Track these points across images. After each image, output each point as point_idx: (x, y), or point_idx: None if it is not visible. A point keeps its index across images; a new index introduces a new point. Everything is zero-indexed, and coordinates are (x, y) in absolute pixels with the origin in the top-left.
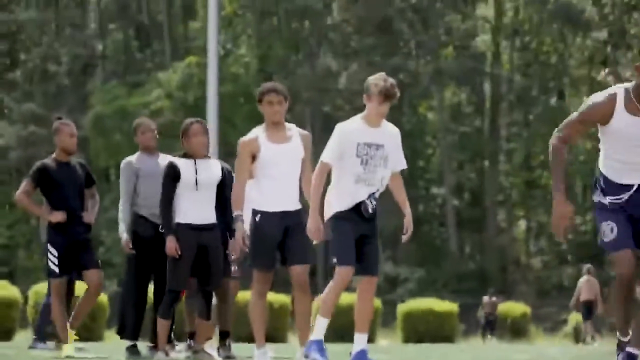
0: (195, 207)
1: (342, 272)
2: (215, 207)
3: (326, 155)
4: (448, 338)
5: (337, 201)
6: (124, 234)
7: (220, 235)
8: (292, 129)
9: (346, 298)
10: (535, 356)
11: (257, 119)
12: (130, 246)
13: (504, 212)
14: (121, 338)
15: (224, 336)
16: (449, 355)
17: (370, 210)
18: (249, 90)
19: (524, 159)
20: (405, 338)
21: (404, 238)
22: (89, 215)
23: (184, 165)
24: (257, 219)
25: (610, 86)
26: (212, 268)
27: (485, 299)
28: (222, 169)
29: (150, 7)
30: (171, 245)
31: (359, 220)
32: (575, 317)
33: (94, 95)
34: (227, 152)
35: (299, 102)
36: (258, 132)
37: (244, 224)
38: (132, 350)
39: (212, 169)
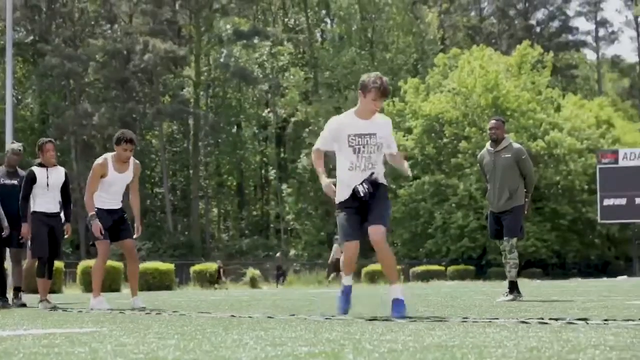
0: (45, 201)
1: (347, 246)
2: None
3: (320, 143)
4: (168, 287)
5: (339, 192)
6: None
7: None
8: (130, 161)
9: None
10: (225, 297)
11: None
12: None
13: (203, 203)
14: None
15: (17, 290)
16: (169, 298)
17: (361, 194)
18: (33, 126)
19: (215, 168)
20: (141, 288)
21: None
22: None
23: (39, 172)
24: (98, 213)
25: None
26: (58, 241)
27: (279, 254)
28: (66, 173)
29: None
30: (24, 230)
31: (357, 201)
32: (251, 272)
33: None
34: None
35: (67, 133)
36: (108, 158)
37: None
38: (3, 301)
39: (59, 174)
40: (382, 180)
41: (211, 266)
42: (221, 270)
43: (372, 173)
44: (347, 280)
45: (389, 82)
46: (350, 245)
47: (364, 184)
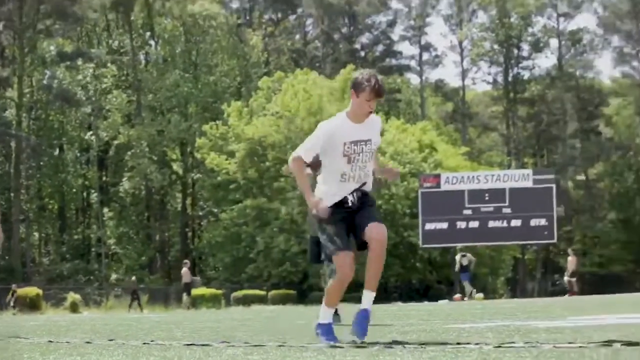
0: None
1: (341, 259)
2: None
3: (303, 153)
4: None
5: (324, 199)
6: None
7: None
8: None
9: None
10: (45, 323)
11: None
12: None
13: (24, 226)
14: None
15: None
16: None
17: (350, 204)
18: None
19: (37, 191)
20: None
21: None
22: None
23: None
24: None
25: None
26: None
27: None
28: None
29: None
30: None
31: (344, 210)
32: (72, 296)
33: None
34: None
35: None
36: None
37: None
38: None
39: None
40: (369, 190)
41: (31, 291)
42: (14, 294)
43: (364, 183)
44: (326, 315)
45: (213, 106)
46: (345, 257)
47: (354, 193)
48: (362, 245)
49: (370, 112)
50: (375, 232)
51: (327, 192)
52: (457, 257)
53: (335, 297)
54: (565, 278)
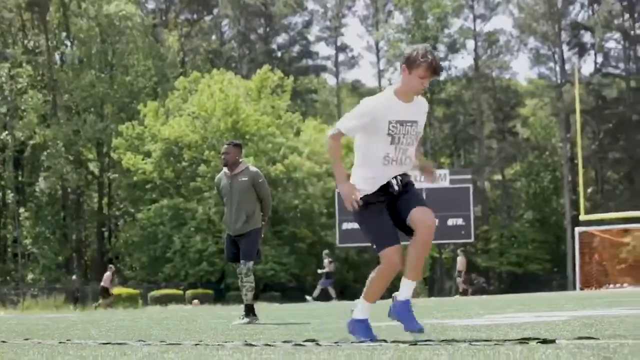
0: None
1: (389, 254)
2: None
3: (346, 127)
4: None
5: (363, 184)
6: None
7: None
8: None
9: None
10: None
11: None
12: None
13: None
14: None
15: None
16: None
17: (396, 188)
18: None
19: None
20: None
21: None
22: None
23: None
24: None
25: None
26: None
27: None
28: None
29: None
30: None
31: (386, 196)
32: None
33: None
34: None
35: None
36: None
37: None
38: None
39: None
40: (410, 174)
41: None
42: None
43: (407, 169)
44: (364, 310)
45: (129, 106)
46: (393, 251)
47: (398, 177)
48: (408, 231)
49: (422, 90)
50: (422, 217)
51: (366, 177)
52: (325, 262)
53: (378, 293)
54: (458, 279)
